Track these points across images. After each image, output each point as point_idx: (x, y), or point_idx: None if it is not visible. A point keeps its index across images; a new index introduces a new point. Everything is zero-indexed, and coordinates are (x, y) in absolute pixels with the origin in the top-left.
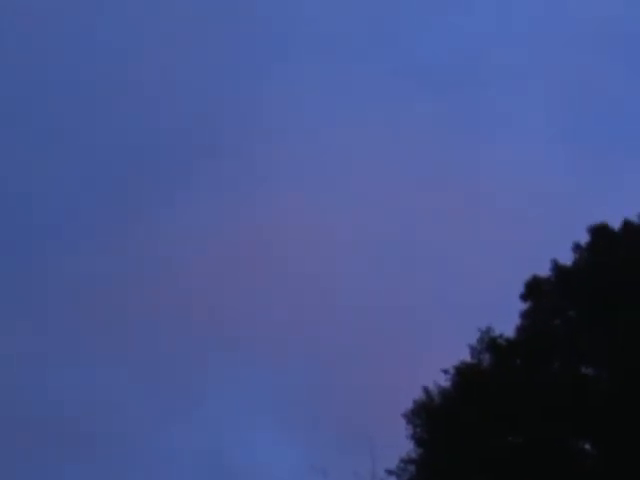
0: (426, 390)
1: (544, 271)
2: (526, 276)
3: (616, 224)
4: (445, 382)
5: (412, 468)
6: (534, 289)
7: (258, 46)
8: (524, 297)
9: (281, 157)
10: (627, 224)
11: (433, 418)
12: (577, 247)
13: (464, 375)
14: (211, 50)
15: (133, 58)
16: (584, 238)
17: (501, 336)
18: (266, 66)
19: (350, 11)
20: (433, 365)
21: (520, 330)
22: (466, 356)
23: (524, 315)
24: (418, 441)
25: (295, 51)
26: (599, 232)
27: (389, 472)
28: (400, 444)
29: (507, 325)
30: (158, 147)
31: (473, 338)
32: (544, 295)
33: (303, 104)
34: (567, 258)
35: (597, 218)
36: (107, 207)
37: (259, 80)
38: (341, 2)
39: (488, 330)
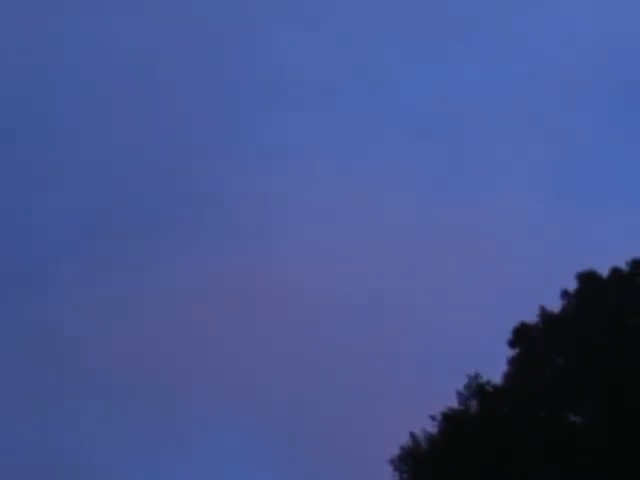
0: (413, 436)
1: (532, 317)
2: (514, 322)
3: (604, 271)
4: (432, 428)
5: None
6: (522, 336)
7: (239, 95)
8: (512, 343)
9: (260, 209)
10: (615, 271)
11: (420, 464)
12: (565, 294)
13: (451, 421)
14: (190, 97)
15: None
16: (572, 285)
17: (489, 382)
18: (249, 114)
19: (334, 59)
20: (420, 411)
21: (508, 377)
22: (453, 402)
23: (512, 362)
24: None
25: (277, 99)
26: (587, 279)
27: None
28: None
29: (495, 371)
30: (139, 197)
31: (461, 384)
32: (532, 342)
33: (286, 153)
34: (555, 305)
35: (585, 265)
36: (87, 255)
37: (242, 129)
38: (325, 50)
39: (476, 376)
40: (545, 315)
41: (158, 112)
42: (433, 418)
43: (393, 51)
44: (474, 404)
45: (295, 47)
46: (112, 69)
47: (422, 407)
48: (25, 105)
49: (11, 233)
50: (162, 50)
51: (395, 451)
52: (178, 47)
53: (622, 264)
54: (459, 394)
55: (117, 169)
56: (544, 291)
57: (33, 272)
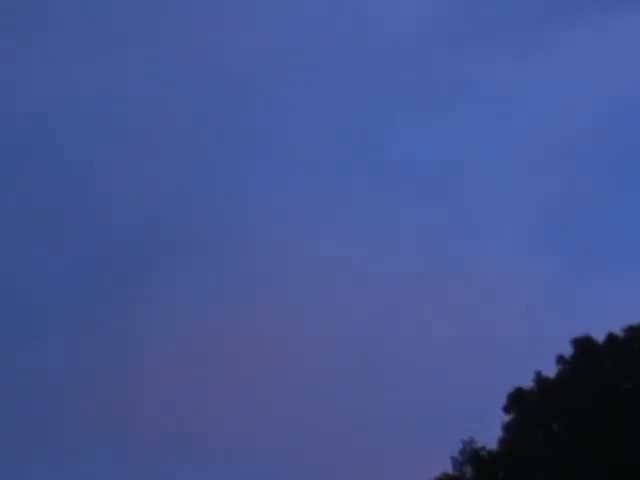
0: None
1: (527, 382)
2: (509, 387)
3: (600, 336)
4: None
5: None
6: (517, 401)
7: (231, 146)
8: (507, 409)
9: (259, 262)
10: (612, 338)
11: None
12: (561, 359)
13: None
14: (177, 147)
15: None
16: (568, 350)
17: (483, 448)
18: (241, 174)
19: (332, 119)
20: (415, 477)
21: (503, 442)
22: (448, 468)
23: (507, 427)
24: None
25: (272, 154)
26: (583, 345)
27: None
28: None
29: (490, 437)
30: (134, 243)
31: (455, 449)
32: (527, 407)
33: (280, 207)
34: (551, 370)
35: (581, 330)
36: (77, 303)
37: (234, 181)
38: (322, 110)
39: (470, 441)
40: (540, 380)
41: (144, 160)
42: None
43: (391, 110)
44: (469, 470)
45: (291, 106)
46: (106, 119)
47: (417, 473)
48: (16, 152)
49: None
50: (149, 100)
51: None
52: (162, 100)
53: (618, 330)
54: (454, 460)
55: (103, 217)
56: (540, 356)
57: (18, 320)
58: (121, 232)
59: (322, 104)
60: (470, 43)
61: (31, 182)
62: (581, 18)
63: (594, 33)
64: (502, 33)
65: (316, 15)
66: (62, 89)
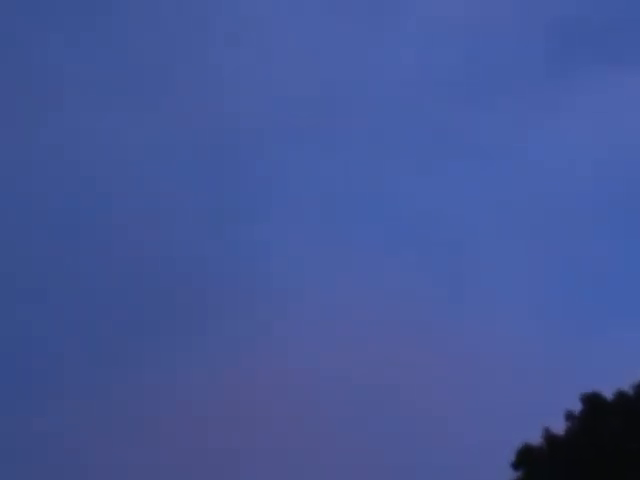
0: None
1: (536, 438)
2: (517, 443)
3: (609, 393)
4: None
5: None
6: (525, 457)
7: (243, 207)
8: (515, 465)
9: (264, 306)
10: (621, 395)
11: None
12: (570, 416)
13: None
14: (182, 208)
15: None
16: (577, 406)
17: None
18: (248, 224)
19: (336, 176)
20: None
21: None
22: None
23: None
24: None
25: (277, 212)
26: (592, 401)
27: None
28: None
29: None
30: (148, 297)
31: None
32: (535, 464)
33: (287, 261)
34: (560, 426)
35: (590, 387)
36: (86, 363)
37: (242, 239)
38: (326, 167)
39: None
40: (549, 437)
41: (154, 213)
42: None
43: (394, 168)
44: None
45: (294, 164)
46: (116, 168)
47: None
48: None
49: (8, 341)
50: (158, 162)
51: None
52: (167, 163)
53: (627, 386)
54: None
55: (111, 276)
56: (548, 412)
57: (32, 382)
58: (127, 294)
59: (320, 157)
60: (472, 98)
61: (41, 239)
62: (582, 76)
63: (594, 91)
64: (504, 87)
65: (324, 68)
66: (73, 139)
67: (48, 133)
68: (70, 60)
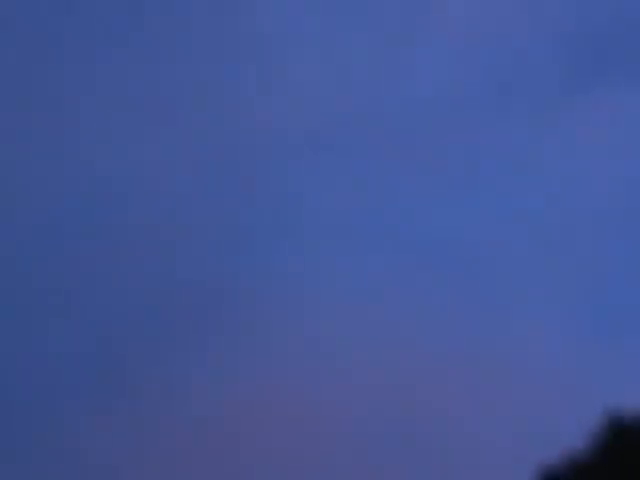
0: None
1: (555, 459)
2: (536, 463)
3: (633, 410)
4: None
5: None
6: (546, 478)
7: (255, 233)
8: None
9: (286, 341)
10: None
11: None
12: (592, 434)
13: None
14: (201, 231)
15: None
16: (599, 427)
17: None
18: (263, 251)
19: (349, 200)
20: None
21: None
22: None
23: None
24: None
25: (292, 239)
26: (615, 420)
27: None
28: None
29: None
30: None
31: None
32: None
33: (302, 291)
34: (580, 446)
35: (613, 405)
36: (89, 384)
37: (257, 264)
38: (340, 191)
39: None
40: (569, 457)
41: (162, 238)
42: None
43: (413, 186)
44: None
45: (309, 189)
46: (124, 196)
47: None
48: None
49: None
50: (174, 194)
51: None
52: (185, 188)
53: None
54: None
55: (121, 299)
56: (570, 431)
57: (34, 416)
58: (136, 319)
59: (336, 178)
60: (486, 112)
61: (46, 262)
62: (601, 94)
63: (618, 106)
64: (520, 101)
65: (344, 84)
66: (78, 168)
67: (64, 147)
68: (87, 71)
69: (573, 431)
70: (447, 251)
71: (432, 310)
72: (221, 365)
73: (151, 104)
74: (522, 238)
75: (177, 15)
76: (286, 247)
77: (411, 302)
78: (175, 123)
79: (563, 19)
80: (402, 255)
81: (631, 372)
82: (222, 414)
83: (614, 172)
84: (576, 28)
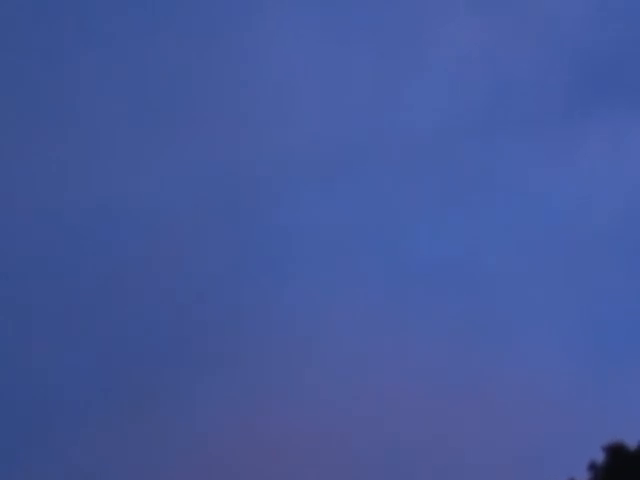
0: None
1: None
2: None
3: (633, 442)
4: None
5: None
6: None
7: (254, 253)
8: None
9: (281, 367)
10: None
11: None
12: (593, 466)
13: None
14: (202, 255)
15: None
16: (600, 456)
17: None
18: (265, 272)
19: (349, 216)
20: None
21: None
22: None
23: None
24: None
25: (293, 256)
26: (615, 452)
27: None
28: None
29: None
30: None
31: None
32: None
33: (304, 310)
34: (582, 477)
35: (614, 436)
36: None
37: (259, 287)
38: (340, 207)
39: None
40: None
41: (169, 264)
42: None
43: (410, 206)
44: None
45: (309, 205)
46: (129, 218)
47: None
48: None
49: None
50: (173, 211)
51: None
52: (186, 209)
53: None
54: None
55: (124, 325)
56: (570, 462)
57: (34, 431)
58: (142, 339)
59: (338, 199)
60: (490, 138)
61: (57, 285)
62: (601, 121)
63: (618, 132)
64: (523, 128)
65: (345, 113)
66: (85, 187)
67: (68, 169)
68: (98, 90)
69: (575, 462)
70: (448, 278)
71: (432, 339)
72: (221, 390)
73: (152, 126)
74: (523, 264)
75: (182, 47)
76: (284, 279)
77: (411, 331)
78: (175, 148)
79: (564, 48)
80: (402, 283)
81: (632, 403)
82: (222, 433)
83: (614, 198)
84: (576, 56)
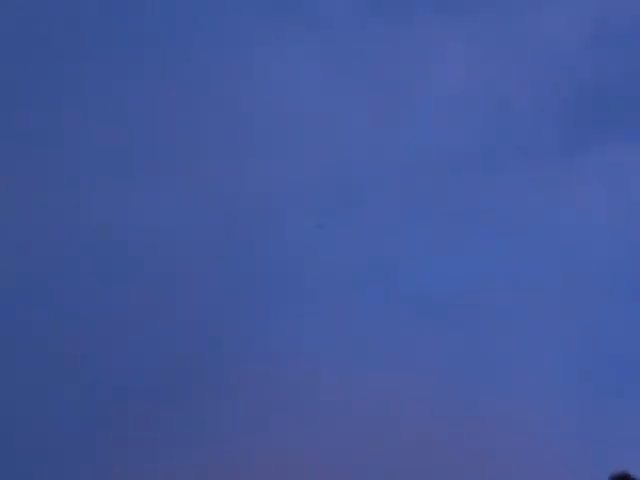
0: None
1: None
2: None
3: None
4: None
5: None
6: None
7: (254, 286)
8: None
9: (278, 401)
10: None
11: None
12: None
13: None
14: (201, 290)
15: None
16: None
17: None
18: (262, 304)
19: (349, 251)
20: None
21: None
22: None
23: None
24: None
25: (291, 289)
26: None
27: None
28: None
29: None
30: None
31: None
32: None
33: (301, 344)
34: None
35: (618, 466)
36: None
37: (256, 320)
38: (339, 241)
39: None
40: None
41: (161, 295)
42: None
43: (415, 247)
44: None
45: (307, 238)
46: (120, 248)
47: None
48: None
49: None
50: (172, 244)
51: None
52: (183, 239)
53: None
54: None
55: (119, 359)
56: None
57: (39, 453)
58: (137, 374)
59: (335, 233)
60: (486, 172)
61: (49, 319)
62: (599, 148)
63: (613, 162)
64: (521, 162)
65: (342, 146)
66: (74, 217)
67: (77, 201)
68: (100, 120)
69: None
70: (446, 313)
71: (430, 372)
72: (220, 422)
73: (152, 155)
74: (521, 300)
75: (178, 70)
76: (285, 308)
77: (409, 363)
78: (175, 176)
79: (562, 81)
80: (400, 315)
81: (632, 435)
82: (224, 464)
83: (613, 233)
84: (574, 89)
